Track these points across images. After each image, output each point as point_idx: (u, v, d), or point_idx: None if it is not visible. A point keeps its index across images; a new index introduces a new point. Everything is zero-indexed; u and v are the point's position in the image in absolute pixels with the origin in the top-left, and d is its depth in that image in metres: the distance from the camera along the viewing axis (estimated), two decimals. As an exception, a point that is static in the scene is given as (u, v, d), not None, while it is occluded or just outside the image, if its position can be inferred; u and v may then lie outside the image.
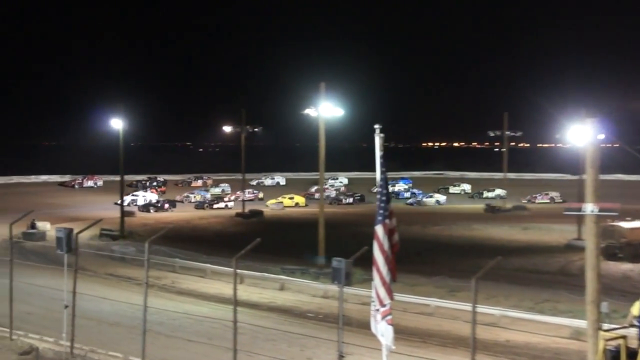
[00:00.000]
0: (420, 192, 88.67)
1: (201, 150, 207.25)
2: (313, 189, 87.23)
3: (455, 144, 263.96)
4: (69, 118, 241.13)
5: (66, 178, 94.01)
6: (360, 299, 28.65)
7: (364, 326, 16.14)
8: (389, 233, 13.50)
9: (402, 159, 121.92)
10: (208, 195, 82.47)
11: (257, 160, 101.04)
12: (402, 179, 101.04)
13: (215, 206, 77.60)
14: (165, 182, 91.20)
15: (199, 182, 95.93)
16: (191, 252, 44.73)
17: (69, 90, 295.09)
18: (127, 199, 70.56)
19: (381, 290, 13.37)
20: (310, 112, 49.24)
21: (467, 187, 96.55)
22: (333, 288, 30.46)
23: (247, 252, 17.13)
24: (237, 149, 78.65)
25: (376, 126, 13.75)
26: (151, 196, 78.36)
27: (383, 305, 13.40)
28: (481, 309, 22.40)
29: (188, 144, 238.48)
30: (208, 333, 24.00)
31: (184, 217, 70.16)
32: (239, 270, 19.47)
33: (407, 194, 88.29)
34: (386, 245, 13.38)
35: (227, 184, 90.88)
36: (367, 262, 14.72)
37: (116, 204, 65.53)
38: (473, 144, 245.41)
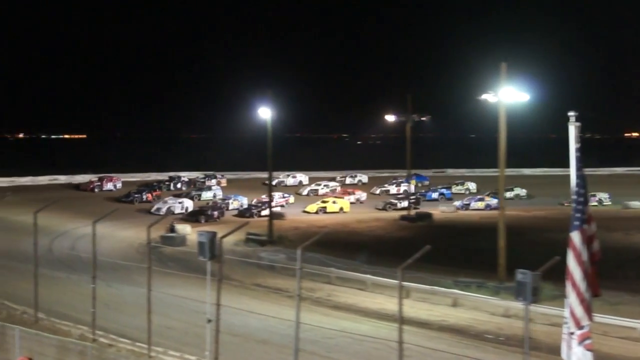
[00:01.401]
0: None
1: (359, 142, 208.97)
2: (381, 189, 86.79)
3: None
4: (215, 110, 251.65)
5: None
6: (550, 319, 27.85)
7: (554, 351, 15.64)
8: (588, 241, 12.98)
9: (601, 153, 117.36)
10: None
11: (424, 154, 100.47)
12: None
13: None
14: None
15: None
16: (349, 261, 45.10)
17: (216, 81, 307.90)
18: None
19: (578, 309, 12.87)
20: (488, 97, 48.21)
21: None
22: (517, 305, 29.71)
23: (414, 262, 17.01)
24: (401, 141, 78.54)
25: (570, 114, 13.24)
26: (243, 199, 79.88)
27: (580, 327, 12.89)
28: None
29: (344, 135, 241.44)
30: (369, 355, 24.11)
31: (341, 220, 70.87)
32: (404, 283, 19.39)
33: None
34: (584, 255, 12.87)
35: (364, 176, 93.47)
36: (557, 275, 14.24)
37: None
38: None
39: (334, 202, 75.81)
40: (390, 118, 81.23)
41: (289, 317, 21.03)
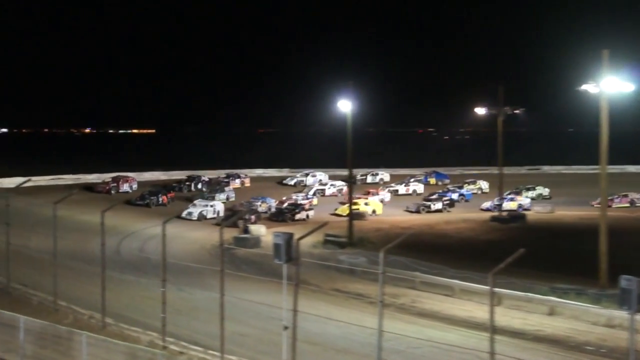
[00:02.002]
0: None
1: (447, 137, 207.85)
2: (388, 188, 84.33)
3: None
4: (291, 104, 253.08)
5: (284, 172, 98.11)
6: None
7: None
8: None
9: None
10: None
11: (517, 150, 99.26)
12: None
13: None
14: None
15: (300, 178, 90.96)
16: (435, 265, 44.84)
17: (293, 74, 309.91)
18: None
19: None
20: (589, 88, 47.31)
21: None
22: (621, 315, 29.20)
23: (506, 266, 16.81)
24: (492, 135, 77.74)
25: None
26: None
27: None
28: None
29: (431, 130, 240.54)
30: (457, 366, 23.93)
31: (426, 221, 70.57)
32: (496, 289, 19.17)
33: None
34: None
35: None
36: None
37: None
38: None
39: (365, 204, 74.23)
40: (480, 111, 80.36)
41: (371, 324, 21.00)
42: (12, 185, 50.27)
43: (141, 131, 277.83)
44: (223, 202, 72.61)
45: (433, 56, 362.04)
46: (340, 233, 57.64)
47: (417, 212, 76.02)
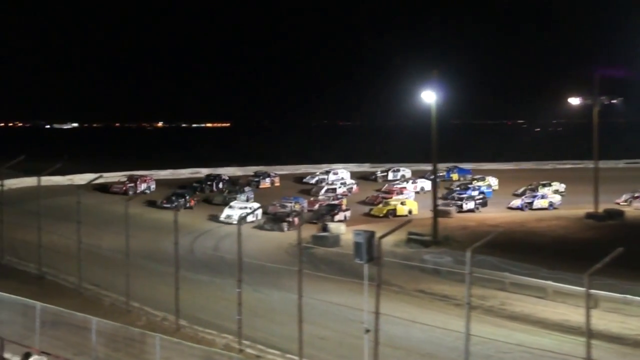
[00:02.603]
0: None
1: (538, 129, 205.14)
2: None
3: None
4: (368, 96, 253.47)
5: (364, 167, 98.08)
6: None
7: None
8: None
9: None
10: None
11: (615, 142, 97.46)
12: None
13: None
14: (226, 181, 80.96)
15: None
16: (527, 265, 44.29)
17: (374, 65, 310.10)
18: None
19: None
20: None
21: None
22: None
23: (603, 266, 16.53)
24: (586, 127, 76.43)
25: None
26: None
27: None
28: None
29: (520, 122, 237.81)
30: (551, 373, 23.60)
31: (515, 219, 69.80)
32: (592, 291, 18.87)
33: None
34: None
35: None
36: None
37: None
38: None
39: (402, 204, 70.71)
40: (574, 101, 79.00)
41: (457, 327, 20.86)
42: (83, 182, 51.13)
43: (216, 124, 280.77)
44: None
45: (521, 44, 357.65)
46: (424, 231, 57.35)
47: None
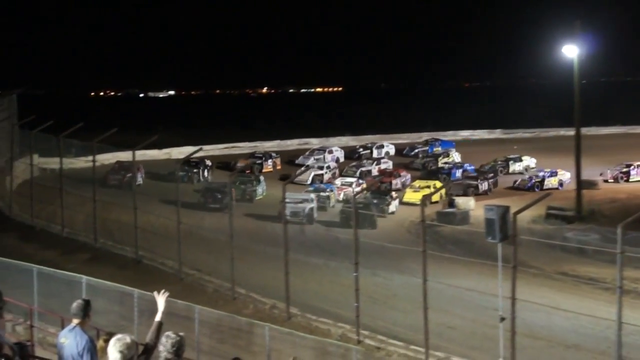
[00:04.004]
0: None
1: None
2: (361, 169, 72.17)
3: None
4: (498, 53, 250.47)
5: (496, 134, 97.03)
6: None
7: None
8: None
9: None
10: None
11: None
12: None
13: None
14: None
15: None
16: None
17: (504, 17, 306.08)
18: None
19: None
20: None
21: None
22: None
23: None
24: None
25: None
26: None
27: None
28: None
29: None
30: None
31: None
32: None
33: None
34: None
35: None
36: None
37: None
38: None
39: (435, 188, 61.29)
40: None
41: (607, 315, 20.54)
42: (182, 156, 51.97)
43: (327, 89, 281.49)
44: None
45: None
46: (565, 205, 56.52)
47: (466, 195, 63.68)
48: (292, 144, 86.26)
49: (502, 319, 21.01)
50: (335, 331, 26.82)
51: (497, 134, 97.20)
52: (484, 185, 66.25)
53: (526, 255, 34.14)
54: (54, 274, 26.30)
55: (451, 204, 56.85)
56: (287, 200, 40.97)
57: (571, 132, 61.24)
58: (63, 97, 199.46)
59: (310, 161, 75.30)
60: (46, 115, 44.20)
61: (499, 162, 76.08)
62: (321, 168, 70.91)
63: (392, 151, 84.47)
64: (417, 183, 62.94)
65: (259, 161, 73.35)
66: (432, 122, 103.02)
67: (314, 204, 54.29)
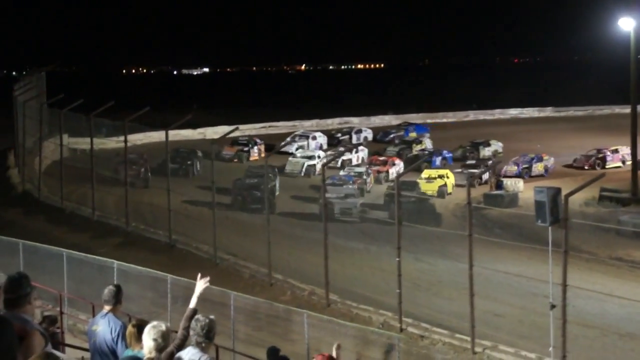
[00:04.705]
0: None
1: None
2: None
3: None
4: (549, 28, 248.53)
5: (547, 112, 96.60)
6: None
7: None
8: None
9: None
10: None
11: None
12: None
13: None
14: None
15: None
16: None
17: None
18: None
19: None
20: None
21: None
22: None
23: None
24: None
25: None
26: None
27: None
28: None
29: None
30: None
31: None
32: None
33: None
34: None
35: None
36: None
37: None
38: None
39: (447, 177, 60.26)
40: None
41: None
42: (216, 136, 52.07)
43: (368, 66, 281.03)
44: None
45: None
46: (620, 187, 56.08)
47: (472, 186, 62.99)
48: (332, 123, 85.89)
49: (553, 307, 20.90)
50: (377, 319, 26.80)
51: (547, 112, 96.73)
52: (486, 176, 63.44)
53: (578, 239, 33.97)
54: (85, 258, 26.46)
55: (499, 185, 56.58)
56: (328, 194, 38.38)
57: (627, 109, 60.69)
58: (93, 74, 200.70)
59: (294, 148, 69.28)
60: (76, 94, 44.48)
61: (468, 147, 73.31)
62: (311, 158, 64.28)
63: (370, 136, 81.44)
64: (427, 173, 60.60)
65: (246, 148, 68.18)
66: (478, 100, 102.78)
67: (359, 197, 50.33)
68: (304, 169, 62.14)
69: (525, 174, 64.99)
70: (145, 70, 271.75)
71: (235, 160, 64.02)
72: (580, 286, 22.34)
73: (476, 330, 23.83)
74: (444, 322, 26.04)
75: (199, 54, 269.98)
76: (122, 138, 40.13)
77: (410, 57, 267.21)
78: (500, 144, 75.32)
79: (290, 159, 62.77)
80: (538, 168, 66.37)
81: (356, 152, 68.81)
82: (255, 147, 68.65)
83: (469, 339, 23.93)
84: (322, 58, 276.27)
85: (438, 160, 69.58)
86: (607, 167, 65.39)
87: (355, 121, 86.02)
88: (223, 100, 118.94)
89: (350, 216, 46.78)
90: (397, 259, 26.80)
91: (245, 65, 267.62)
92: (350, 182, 54.59)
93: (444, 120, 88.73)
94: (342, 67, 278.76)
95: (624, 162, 66.43)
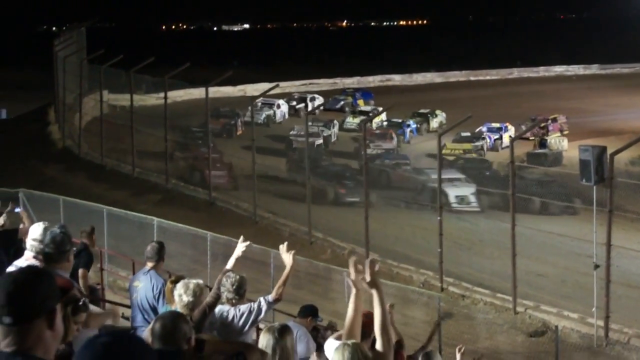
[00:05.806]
0: None
1: None
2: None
3: None
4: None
5: (593, 69, 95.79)
6: None
7: None
8: None
9: None
10: None
11: None
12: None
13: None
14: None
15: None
16: None
17: None
18: None
19: None
20: None
21: None
22: None
23: None
24: None
25: None
26: None
27: None
28: None
29: None
30: None
31: None
32: None
33: None
34: None
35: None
36: None
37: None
38: None
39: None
40: None
41: None
42: (256, 93, 52.04)
43: (411, 23, 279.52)
44: None
45: None
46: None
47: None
48: (373, 80, 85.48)
49: (596, 267, 20.82)
50: (418, 278, 26.81)
51: (593, 69, 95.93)
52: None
53: (623, 199, 33.68)
54: (125, 215, 26.65)
55: (542, 144, 56.19)
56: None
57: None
58: (133, 30, 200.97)
59: (262, 117, 62.66)
60: (116, 50, 44.49)
61: (417, 119, 67.02)
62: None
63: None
64: (450, 148, 57.14)
65: (232, 122, 59.63)
66: (522, 57, 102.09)
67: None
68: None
69: (501, 147, 59.46)
70: (185, 27, 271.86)
71: (225, 135, 55.09)
72: (625, 246, 22.24)
73: (518, 290, 23.78)
74: (486, 282, 26.00)
75: (239, 10, 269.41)
76: (162, 94, 40.16)
77: (454, 13, 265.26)
78: (444, 115, 68.65)
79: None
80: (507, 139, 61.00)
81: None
82: (239, 120, 59.42)
83: (510, 298, 23.90)
84: (364, 14, 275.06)
85: (407, 133, 63.47)
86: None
87: (396, 78, 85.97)
88: (263, 57, 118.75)
89: (468, 204, 39.90)
90: (439, 218, 26.77)
91: (286, 21, 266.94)
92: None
93: (487, 77, 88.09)
94: (384, 23, 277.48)
95: (561, 131, 62.86)
